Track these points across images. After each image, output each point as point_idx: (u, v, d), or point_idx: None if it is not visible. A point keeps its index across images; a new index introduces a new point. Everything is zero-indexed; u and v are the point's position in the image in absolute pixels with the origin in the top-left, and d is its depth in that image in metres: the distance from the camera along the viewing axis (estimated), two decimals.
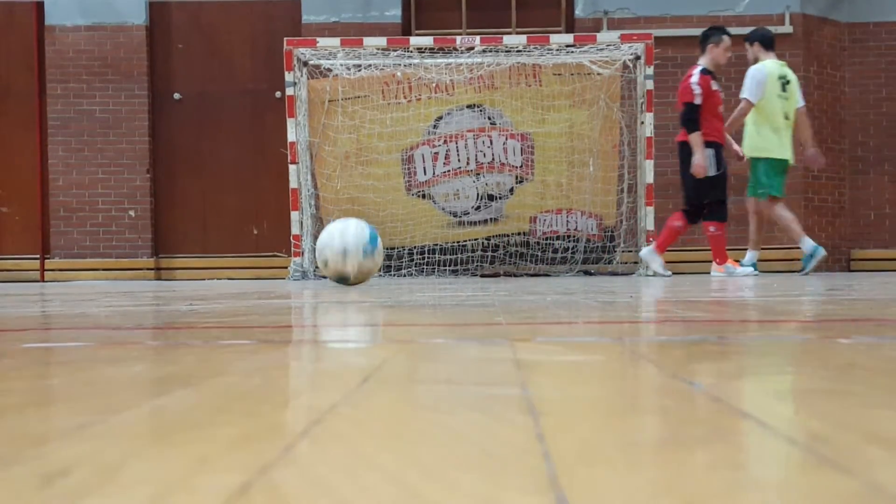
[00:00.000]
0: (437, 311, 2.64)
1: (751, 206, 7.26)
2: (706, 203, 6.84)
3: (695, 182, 6.74)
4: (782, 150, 6.98)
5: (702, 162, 6.65)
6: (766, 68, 6.99)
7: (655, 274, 7.06)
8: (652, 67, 7.83)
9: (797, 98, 7.08)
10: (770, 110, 6.95)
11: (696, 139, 6.66)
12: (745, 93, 6.97)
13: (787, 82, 7.04)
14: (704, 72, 6.78)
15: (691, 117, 6.68)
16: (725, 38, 6.97)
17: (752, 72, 7.00)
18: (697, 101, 6.64)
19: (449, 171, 8.51)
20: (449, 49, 8.28)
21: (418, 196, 8.55)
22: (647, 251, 7.21)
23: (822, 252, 6.95)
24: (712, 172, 6.74)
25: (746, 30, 8.68)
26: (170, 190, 9.12)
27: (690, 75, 6.78)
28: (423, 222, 8.50)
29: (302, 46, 7.90)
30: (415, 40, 8.28)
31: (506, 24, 8.73)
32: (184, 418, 0.81)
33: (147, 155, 9.01)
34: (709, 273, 7.38)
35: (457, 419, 0.81)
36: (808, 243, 6.96)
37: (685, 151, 6.80)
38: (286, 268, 8.08)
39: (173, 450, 0.67)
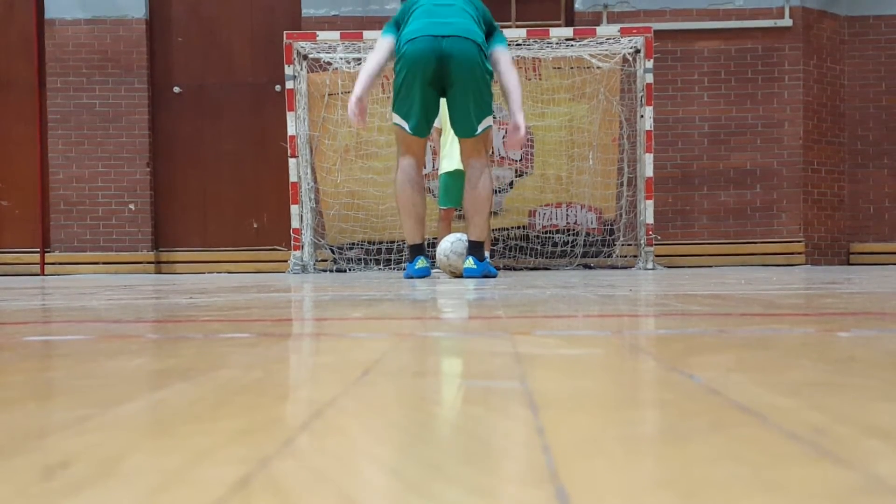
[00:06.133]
0: (436, 305, 2.64)
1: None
2: None
3: None
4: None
5: None
6: None
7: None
8: (651, 61, 7.82)
9: None
10: None
11: None
12: None
13: None
14: None
15: None
16: None
17: None
18: None
19: None
20: None
21: None
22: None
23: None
24: None
25: (747, 23, 8.68)
26: (170, 183, 9.12)
27: None
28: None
29: (301, 40, 7.88)
30: None
31: (505, 18, 8.71)
32: (184, 411, 0.81)
33: (147, 148, 9.00)
34: (708, 266, 7.35)
35: (456, 412, 0.82)
36: None
37: None
38: (286, 261, 8.09)
39: (173, 442, 0.67)
